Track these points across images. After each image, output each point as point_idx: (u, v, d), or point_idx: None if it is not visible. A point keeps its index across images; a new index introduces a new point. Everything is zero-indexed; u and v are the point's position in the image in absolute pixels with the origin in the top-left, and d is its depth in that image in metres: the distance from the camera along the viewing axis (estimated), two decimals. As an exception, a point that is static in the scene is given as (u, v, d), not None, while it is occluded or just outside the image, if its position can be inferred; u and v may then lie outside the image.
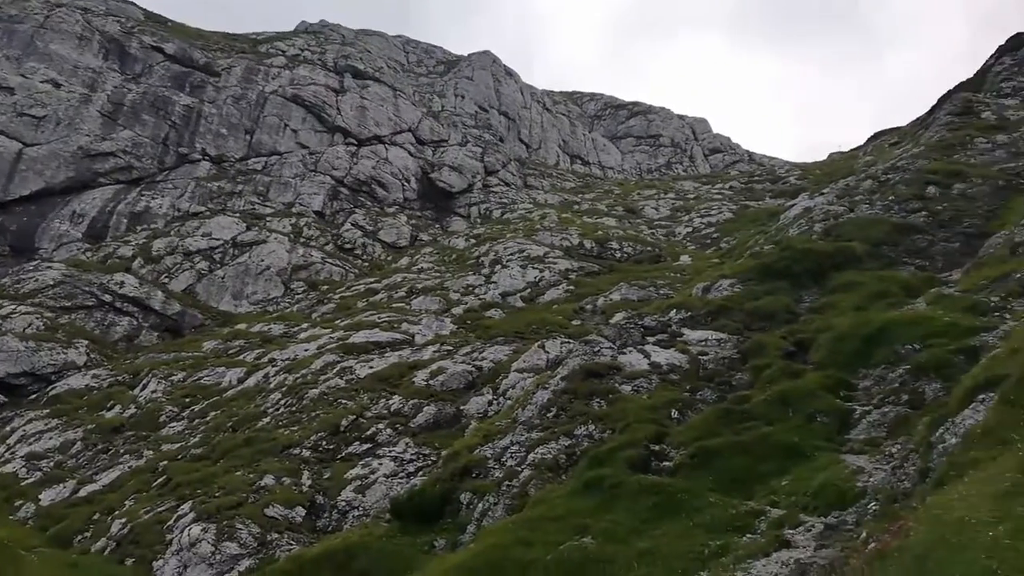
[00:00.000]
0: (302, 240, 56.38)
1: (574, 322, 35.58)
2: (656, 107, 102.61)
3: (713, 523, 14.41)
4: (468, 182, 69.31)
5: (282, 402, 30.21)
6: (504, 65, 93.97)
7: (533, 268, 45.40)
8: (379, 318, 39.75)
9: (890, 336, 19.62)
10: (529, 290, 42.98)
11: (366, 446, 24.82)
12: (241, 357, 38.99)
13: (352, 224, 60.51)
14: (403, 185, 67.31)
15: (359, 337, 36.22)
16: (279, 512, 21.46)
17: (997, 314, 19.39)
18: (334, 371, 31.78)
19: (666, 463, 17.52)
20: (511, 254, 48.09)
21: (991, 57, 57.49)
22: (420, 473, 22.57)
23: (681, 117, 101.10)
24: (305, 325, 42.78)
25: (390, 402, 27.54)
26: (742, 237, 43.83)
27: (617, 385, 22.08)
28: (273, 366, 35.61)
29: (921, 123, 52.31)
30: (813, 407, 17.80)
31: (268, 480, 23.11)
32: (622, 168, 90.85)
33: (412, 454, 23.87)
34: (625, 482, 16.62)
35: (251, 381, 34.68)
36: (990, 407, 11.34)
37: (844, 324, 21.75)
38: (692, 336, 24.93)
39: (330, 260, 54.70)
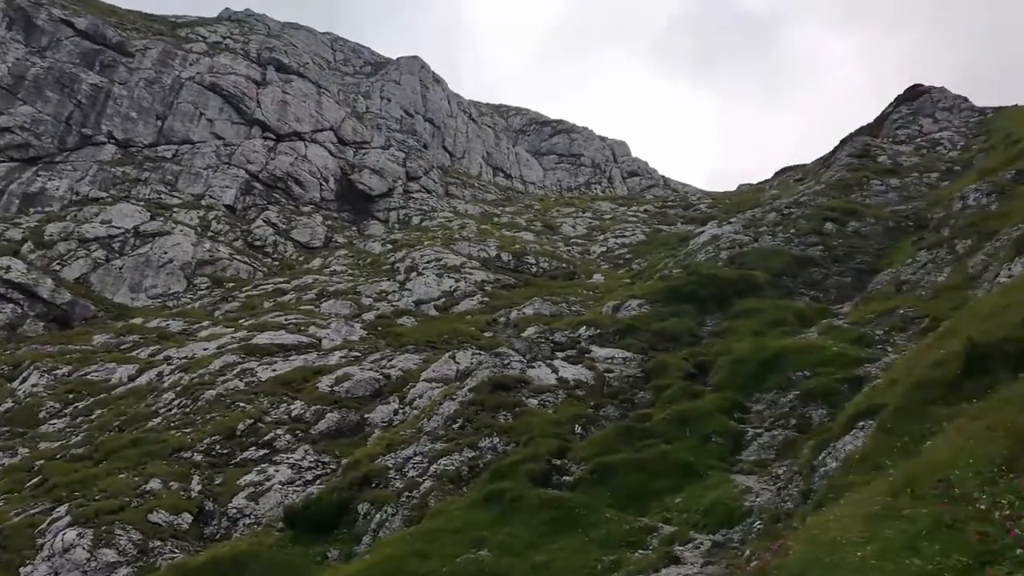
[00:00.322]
0: (210, 234, 54.24)
1: (486, 334, 35.62)
2: (579, 127, 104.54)
3: (608, 538, 14.65)
4: (389, 186, 68.49)
5: (175, 402, 28.85)
6: (433, 72, 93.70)
7: (449, 277, 45.22)
8: (286, 320, 38.63)
9: (784, 363, 20.58)
10: (444, 299, 42.77)
11: (263, 452, 23.97)
12: (134, 353, 37.06)
13: (264, 221, 58.68)
14: (321, 184, 65.86)
15: (263, 338, 35.07)
16: (163, 518, 20.42)
17: (881, 346, 20.66)
18: (234, 372, 30.62)
19: (567, 478, 17.71)
20: (428, 262, 47.78)
21: (889, 105, 61.59)
22: (318, 481, 21.97)
23: (602, 138, 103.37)
24: (206, 323, 41.10)
25: (291, 407, 26.74)
26: (653, 259, 45.08)
27: (524, 398, 22.20)
28: (168, 364, 34.00)
29: (824, 162, 55.38)
30: (709, 428, 18.42)
31: (154, 484, 21.96)
32: (543, 184, 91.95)
33: (311, 461, 23.22)
34: (525, 496, 16.69)
35: (143, 379, 32.99)
36: (869, 434, 12.00)
37: (742, 349, 22.65)
38: (600, 353, 25.36)
39: (238, 257, 52.83)
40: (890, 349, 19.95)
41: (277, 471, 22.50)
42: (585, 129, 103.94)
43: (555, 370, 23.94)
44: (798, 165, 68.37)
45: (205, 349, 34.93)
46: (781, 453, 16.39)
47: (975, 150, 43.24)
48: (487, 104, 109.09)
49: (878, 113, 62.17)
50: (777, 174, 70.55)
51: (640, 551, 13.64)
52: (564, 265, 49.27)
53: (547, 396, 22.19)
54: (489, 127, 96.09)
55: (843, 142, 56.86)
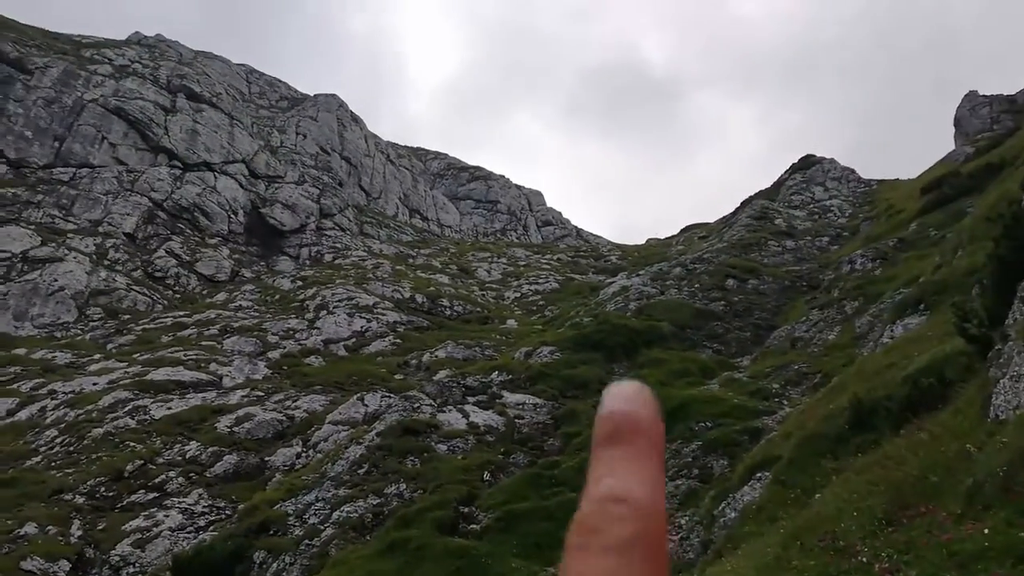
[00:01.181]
0: (106, 263, 51.52)
1: (397, 376, 35.16)
2: (496, 174, 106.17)
3: (513, 588, 14.61)
4: (301, 222, 67.22)
5: (58, 440, 26.94)
6: (351, 111, 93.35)
7: (361, 317, 44.53)
8: (185, 355, 36.94)
9: (688, 413, 21.29)
10: (354, 339, 42.02)
11: (153, 495, 22.65)
12: (15, 386, 34.42)
13: (167, 251, 56.29)
14: (230, 217, 63.95)
15: (159, 374, 33.38)
16: (38, 566, 18.88)
17: (777, 399, 21.74)
18: (125, 410, 28.94)
19: (474, 526, 17.60)
20: (339, 300, 46.94)
21: (785, 172, 65.78)
22: (212, 528, 20.91)
23: (519, 187, 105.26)
24: (98, 356, 38.76)
25: (186, 448, 25.47)
26: (565, 307, 45.93)
27: (433, 444, 22.01)
28: (53, 399, 31.78)
29: (726, 221, 58.33)
30: (615, 476, 18.78)
31: (30, 528, 20.33)
32: (460, 228, 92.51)
33: (205, 506, 22.10)
34: (430, 544, 16.46)
35: (23, 414, 30.66)
36: (765, 485, 12.56)
37: (648, 399, 23.31)
38: (511, 399, 25.51)
39: (136, 288, 50.34)
40: (785, 402, 21.01)
41: (167, 516, 21.29)
42: (502, 177, 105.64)
43: (466, 415, 23.89)
44: (703, 223, 71.62)
45: (95, 384, 32.89)
46: (684, 503, 16.86)
47: (861, 218, 46.63)
48: (405, 146, 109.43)
49: (775, 179, 66.29)
50: (683, 230, 73.61)
51: (545, 601, 13.66)
52: (478, 309, 49.46)
53: (457, 442, 22.09)
54: (407, 169, 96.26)
55: (744, 204, 60.18)
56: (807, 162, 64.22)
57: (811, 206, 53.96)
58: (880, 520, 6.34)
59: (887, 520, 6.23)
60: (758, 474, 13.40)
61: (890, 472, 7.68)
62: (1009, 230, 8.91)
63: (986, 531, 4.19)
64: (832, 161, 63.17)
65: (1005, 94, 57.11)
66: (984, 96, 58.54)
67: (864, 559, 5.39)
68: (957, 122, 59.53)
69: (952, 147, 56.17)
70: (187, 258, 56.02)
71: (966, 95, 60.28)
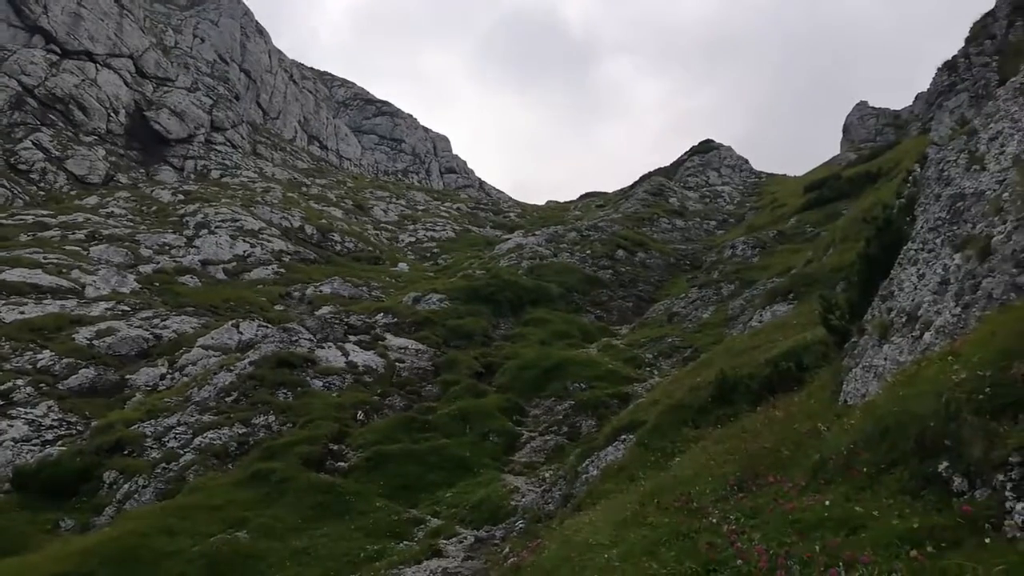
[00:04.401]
0: (-40, 146, 46.52)
1: (277, 307, 34.10)
2: (404, 112, 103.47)
3: (375, 527, 14.70)
4: (189, 132, 63.06)
5: None
6: (256, 21, 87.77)
7: (244, 241, 42.65)
8: (45, 258, 34.18)
9: (564, 373, 21.97)
10: (235, 263, 40.26)
11: (-5, 403, 21.04)
12: None
13: (34, 143, 51.39)
14: (109, 115, 59.04)
15: (13, 275, 30.76)
16: None
17: (649, 368, 22.77)
18: (-30, 309, 26.57)
19: (342, 463, 17.51)
20: (222, 221, 44.70)
21: (685, 153, 67.97)
22: (60, 442, 19.72)
23: (426, 129, 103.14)
24: (-59, 247, 35.18)
25: (38, 356, 23.75)
26: (459, 257, 45.87)
27: (309, 379, 21.61)
28: None
29: (623, 194, 59.75)
30: (488, 427, 19.16)
31: None
32: (360, 163, 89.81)
33: (54, 420, 20.78)
34: (295, 478, 16.25)
35: None
36: (628, 447, 13.16)
37: (529, 355, 23.85)
38: (394, 342, 25.35)
39: (-6, 178, 45.81)
40: (656, 372, 22.02)
41: (11, 426, 19.87)
42: (410, 116, 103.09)
43: (346, 353, 23.57)
44: (601, 192, 73.07)
45: (-66, 278, 29.92)
46: (550, 457, 17.46)
47: (748, 207, 49.00)
48: (311, 68, 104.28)
49: (675, 158, 68.38)
50: (582, 196, 74.90)
51: (405, 542, 13.85)
52: (370, 248, 48.52)
53: (333, 379, 21.79)
54: (310, 92, 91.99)
55: (642, 178, 61.81)
56: (707, 147, 66.54)
57: (704, 189, 56.15)
58: (732, 486, 6.78)
59: (739, 487, 6.67)
60: (623, 436, 14.01)
61: (746, 443, 8.21)
62: (880, 232, 9.59)
63: (827, 503, 4.56)
64: (729, 149, 65.76)
65: (892, 109, 61.17)
66: (873, 108, 62.44)
67: (714, 520, 5.75)
68: (846, 128, 63.27)
69: (838, 151, 59.73)
70: (57, 153, 51.44)
71: (856, 104, 64.06)
